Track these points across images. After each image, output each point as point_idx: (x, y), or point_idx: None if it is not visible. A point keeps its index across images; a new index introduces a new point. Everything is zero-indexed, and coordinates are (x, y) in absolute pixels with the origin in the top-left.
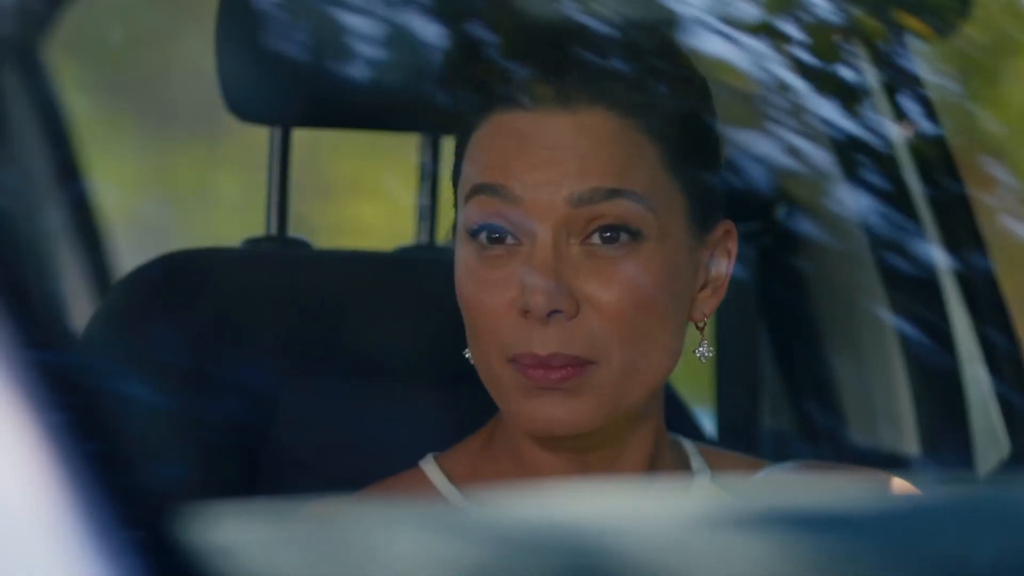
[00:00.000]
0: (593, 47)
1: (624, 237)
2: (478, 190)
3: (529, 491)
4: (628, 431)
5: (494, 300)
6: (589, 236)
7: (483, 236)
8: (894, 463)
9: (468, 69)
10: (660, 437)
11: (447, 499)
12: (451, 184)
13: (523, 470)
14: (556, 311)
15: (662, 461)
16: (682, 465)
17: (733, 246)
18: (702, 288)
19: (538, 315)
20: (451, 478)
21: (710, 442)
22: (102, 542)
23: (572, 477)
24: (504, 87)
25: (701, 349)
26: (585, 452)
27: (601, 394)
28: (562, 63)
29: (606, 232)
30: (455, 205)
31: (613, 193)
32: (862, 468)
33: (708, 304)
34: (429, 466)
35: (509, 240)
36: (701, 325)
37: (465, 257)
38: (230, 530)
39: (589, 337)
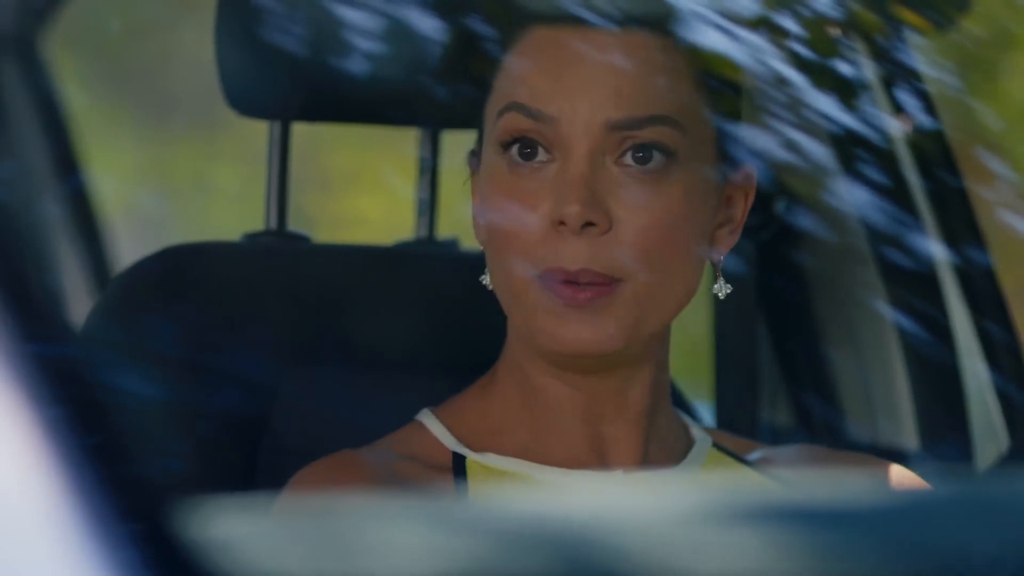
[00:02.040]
0: None
1: (657, 157)
2: (514, 107)
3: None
4: (634, 366)
5: (525, 212)
6: (623, 155)
7: (515, 149)
8: (893, 457)
9: None
10: (663, 382)
11: (447, 448)
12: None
13: (529, 406)
14: (590, 223)
15: (663, 411)
16: (683, 429)
17: (752, 190)
18: (720, 226)
19: (573, 226)
20: (450, 428)
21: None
22: (101, 534)
23: (578, 409)
24: (545, 1)
25: (718, 285)
26: (592, 382)
27: (625, 314)
28: None
29: (639, 152)
30: (479, 119)
31: (649, 120)
32: (856, 454)
33: (725, 243)
34: (428, 419)
35: (542, 154)
36: (719, 263)
37: (495, 170)
38: (229, 522)
39: (618, 254)
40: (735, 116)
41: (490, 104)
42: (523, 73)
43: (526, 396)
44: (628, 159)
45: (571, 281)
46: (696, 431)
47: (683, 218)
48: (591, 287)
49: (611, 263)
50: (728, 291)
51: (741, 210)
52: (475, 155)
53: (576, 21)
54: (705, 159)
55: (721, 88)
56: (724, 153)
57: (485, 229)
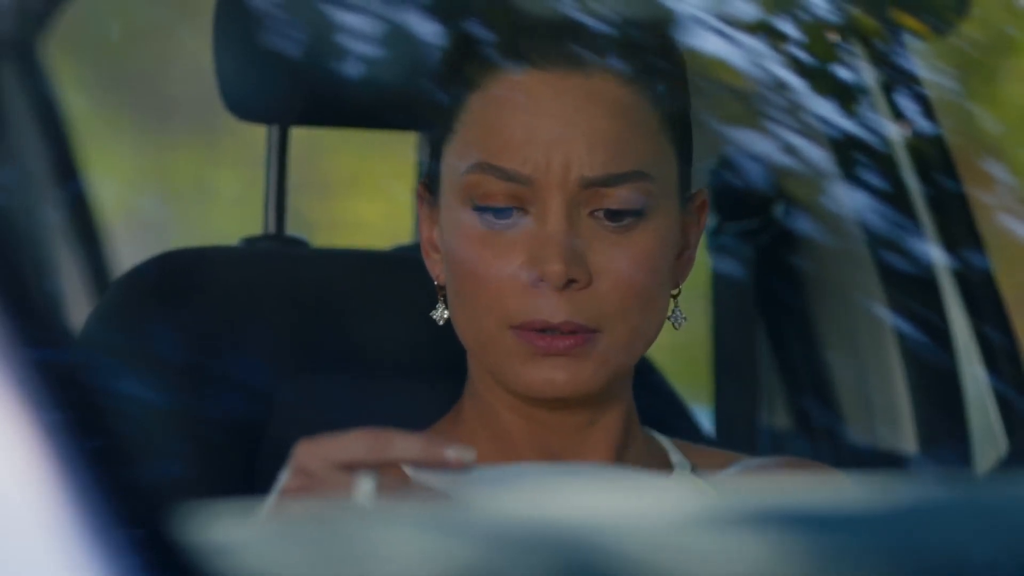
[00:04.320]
0: (594, 16)
1: (630, 215)
2: (484, 168)
3: (500, 471)
4: (601, 403)
5: (499, 266)
6: (597, 209)
7: (488, 211)
8: (892, 461)
9: (481, 21)
10: (630, 417)
11: (414, 480)
12: (429, 137)
13: (494, 440)
14: (573, 280)
15: (634, 442)
16: (660, 456)
17: (705, 214)
18: (679, 255)
19: (555, 284)
20: None
21: (683, 438)
22: (100, 539)
23: (544, 446)
24: (513, 44)
25: (675, 315)
26: (559, 419)
27: (603, 360)
28: (571, 25)
29: (612, 212)
30: (436, 155)
31: (624, 177)
32: (837, 470)
33: (682, 272)
34: None
35: (515, 212)
36: (676, 292)
37: (463, 223)
38: (228, 528)
39: (597, 307)
40: (690, 149)
41: (452, 149)
42: (491, 124)
43: (491, 431)
44: (601, 213)
45: (548, 330)
46: (675, 457)
47: (656, 265)
48: (571, 335)
49: (591, 315)
50: (684, 322)
51: (695, 234)
52: (429, 189)
53: (547, 63)
54: (672, 200)
55: (683, 126)
56: (685, 187)
57: (452, 276)
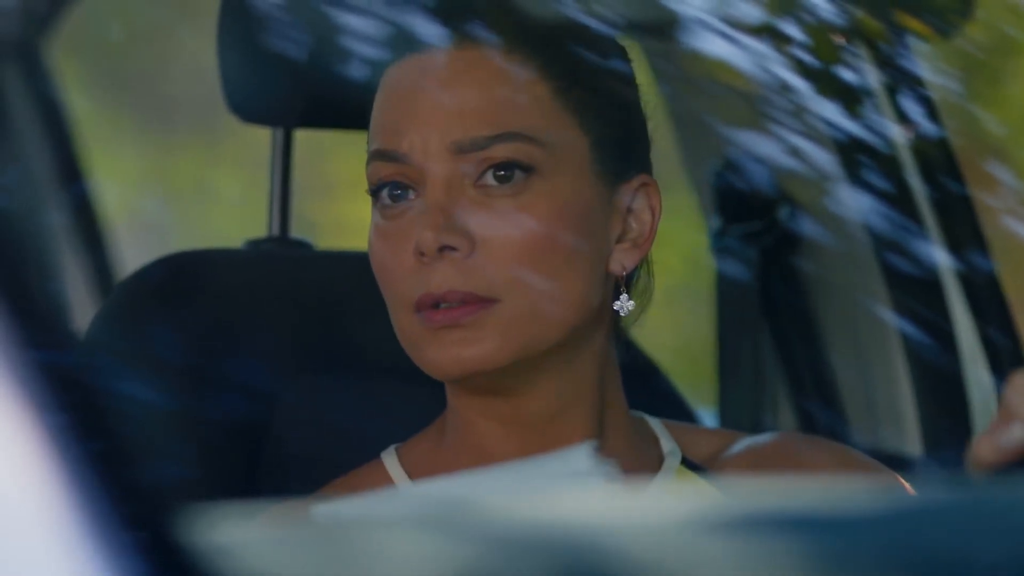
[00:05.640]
0: None
1: (518, 175)
2: (373, 157)
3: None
4: (571, 403)
5: (396, 253)
6: (481, 176)
7: (384, 194)
8: (896, 463)
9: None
10: (610, 405)
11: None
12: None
13: (470, 450)
14: (447, 247)
15: (618, 430)
16: (650, 444)
17: (656, 201)
18: (620, 240)
19: (429, 252)
20: (409, 470)
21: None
22: (104, 542)
23: (518, 453)
24: (395, 36)
25: (619, 302)
26: (522, 418)
27: (506, 333)
28: (450, 6)
29: (499, 171)
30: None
31: (496, 139)
32: (837, 444)
33: (628, 257)
34: (389, 458)
35: (410, 195)
36: (621, 278)
37: (373, 218)
38: (231, 530)
39: (488, 274)
40: (618, 127)
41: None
42: (378, 117)
43: (467, 440)
44: (488, 179)
45: (440, 302)
46: (665, 443)
47: (556, 230)
48: (462, 305)
49: (480, 283)
50: (630, 308)
51: (648, 221)
52: None
53: (421, 47)
54: (578, 171)
55: (590, 99)
56: (608, 166)
57: (374, 271)
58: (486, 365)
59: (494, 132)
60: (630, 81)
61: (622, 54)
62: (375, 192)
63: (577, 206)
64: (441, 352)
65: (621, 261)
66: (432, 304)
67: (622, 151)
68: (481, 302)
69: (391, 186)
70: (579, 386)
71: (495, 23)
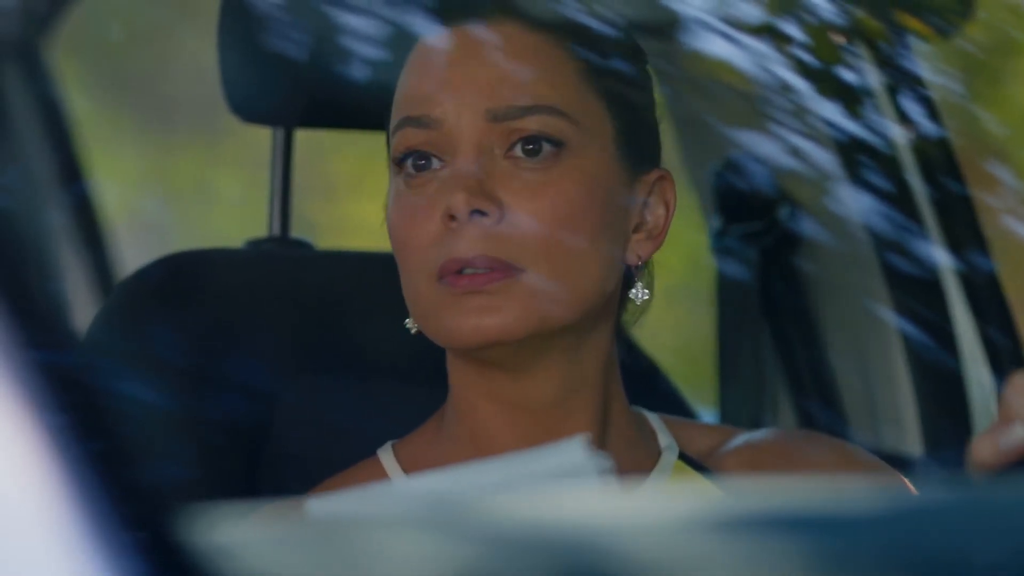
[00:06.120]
0: None
1: (547, 148)
2: (405, 122)
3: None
4: (575, 391)
5: (420, 221)
6: (512, 147)
7: (409, 163)
8: (896, 464)
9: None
10: (613, 398)
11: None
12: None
13: (469, 439)
14: (479, 211)
15: (617, 424)
16: (648, 438)
17: (671, 196)
18: (636, 230)
19: (461, 215)
20: (405, 466)
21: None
22: (104, 542)
23: (521, 437)
24: (430, 11)
25: (635, 291)
26: (528, 408)
27: (527, 304)
28: None
29: (528, 144)
30: (387, 142)
31: (532, 109)
32: (835, 439)
33: (643, 248)
34: (386, 455)
35: (435, 164)
36: (636, 269)
37: (394, 188)
38: (231, 530)
39: (516, 242)
40: (640, 120)
41: (390, 128)
42: (408, 86)
43: (470, 428)
44: (518, 151)
45: (468, 267)
46: (663, 438)
47: (581, 208)
48: (489, 271)
49: (508, 250)
50: (646, 297)
51: (663, 215)
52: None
53: (453, 19)
54: (604, 151)
55: (617, 88)
56: (629, 153)
57: (393, 249)
58: (504, 336)
59: (529, 103)
60: (649, 80)
61: (643, 56)
62: (400, 160)
63: (603, 188)
64: (461, 319)
65: (636, 252)
66: (457, 269)
67: (642, 144)
68: (507, 269)
69: (416, 155)
70: (584, 375)
71: (528, 2)
